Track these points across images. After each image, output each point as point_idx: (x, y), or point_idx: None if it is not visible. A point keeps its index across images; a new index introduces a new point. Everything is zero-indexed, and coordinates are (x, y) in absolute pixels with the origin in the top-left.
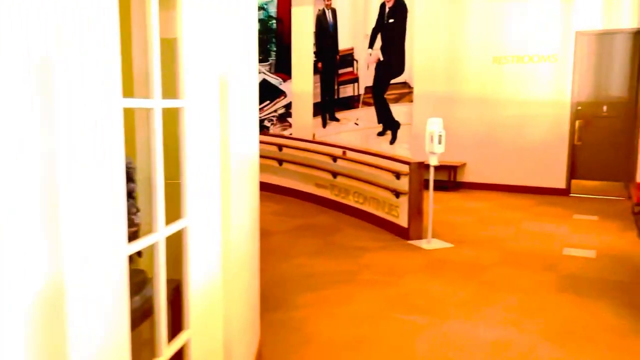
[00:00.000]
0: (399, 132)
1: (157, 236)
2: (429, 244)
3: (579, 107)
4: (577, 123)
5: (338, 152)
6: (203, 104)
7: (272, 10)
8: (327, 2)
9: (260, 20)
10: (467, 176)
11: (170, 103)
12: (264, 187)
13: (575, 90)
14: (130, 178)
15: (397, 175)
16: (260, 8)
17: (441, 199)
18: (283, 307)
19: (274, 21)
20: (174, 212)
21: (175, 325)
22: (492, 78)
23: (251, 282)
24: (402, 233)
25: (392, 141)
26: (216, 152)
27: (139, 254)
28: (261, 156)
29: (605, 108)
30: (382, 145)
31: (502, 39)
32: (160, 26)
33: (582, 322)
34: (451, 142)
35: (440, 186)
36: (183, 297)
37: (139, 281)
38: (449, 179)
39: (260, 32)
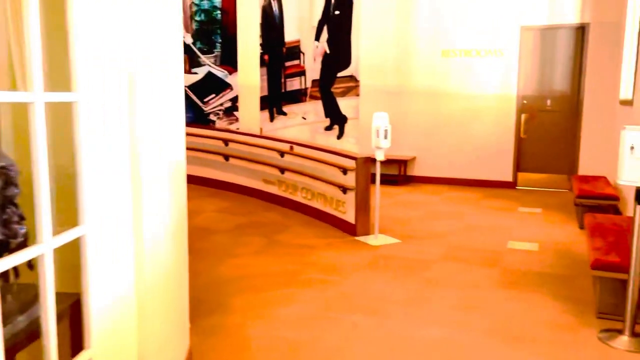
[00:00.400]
0: (346, 127)
1: (43, 248)
2: (376, 240)
3: (525, 101)
4: (522, 116)
5: (285, 147)
6: (104, 98)
7: (217, 0)
8: None
9: (204, 11)
10: (417, 170)
11: (57, 97)
12: (210, 183)
13: (520, 84)
14: (11, 182)
15: (344, 170)
16: None
17: (391, 194)
18: (218, 312)
19: (219, 12)
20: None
21: (77, 345)
22: (441, 72)
23: (177, 290)
24: (350, 229)
25: (340, 136)
26: (124, 152)
27: (29, 266)
28: (207, 151)
29: (549, 102)
30: (330, 139)
31: (451, 32)
32: (50, 9)
33: (523, 318)
34: (401, 136)
35: (390, 180)
36: (83, 314)
37: (28, 299)
38: (399, 173)
39: (205, 22)
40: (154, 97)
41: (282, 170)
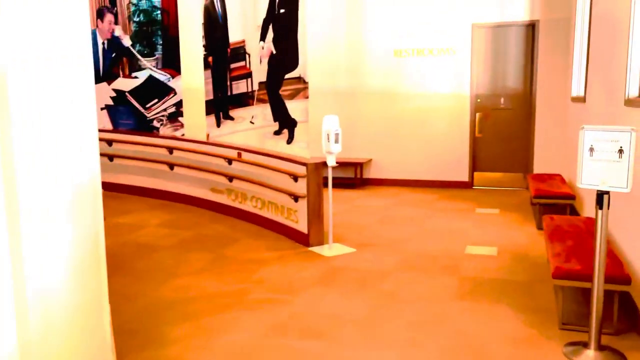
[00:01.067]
0: (296, 131)
1: None
2: (330, 250)
3: (479, 100)
4: (477, 115)
5: (233, 153)
6: None
7: (156, 0)
8: None
9: (143, 11)
10: (374, 172)
11: None
12: (155, 194)
13: (474, 83)
14: None
15: (295, 177)
16: None
17: (347, 198)
18: (154, 344)
19: (159, 12)
20: None
21: None
22: (394, 72)
23: (90, 332)
24: (303, 239)
25: (289, 140)
26: None
27: None
28: (150, 160)
29: (502, 100)
30: (279, 144)
31: (403, 31)
32: None
33: (483, 332)
34: (356, 139)
35: (346, 184)
36: None
37: None
38: (355, 177)
39: (144, 23)
40: (41, 101)
41: (231, 178)
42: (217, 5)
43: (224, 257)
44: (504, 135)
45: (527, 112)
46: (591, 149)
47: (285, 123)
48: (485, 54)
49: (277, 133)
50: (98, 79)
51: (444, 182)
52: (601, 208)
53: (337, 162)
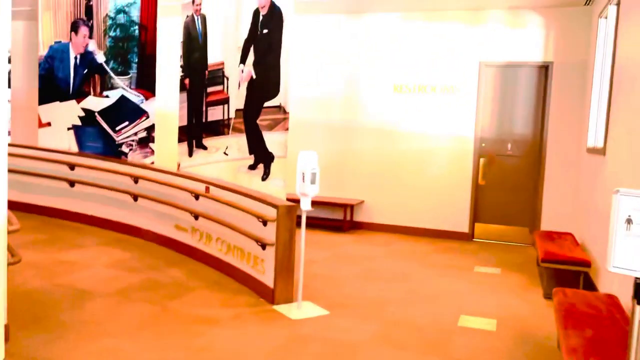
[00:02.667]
0: (273, 166)
1: None
2: (298, 310)
3: (483, 144)
4: (481, 161)
5: (201, 187)
6: None
7: (135, 14)
8: (196, 7)
9: (120, 26)
10: (365, 216)
11: None
12: (116, 227)
13: (479, 125)
14: None
15: (264, 221)
16: (121, 11)
17: (331, 243)
18: None
19: (137, 27)
20: None
21: None
22: (393, 108)
23: None
24: (267, 294)
25: (265, 177)
26: None
27: None
28: (114, 189)
29: (509, 146)
30: (254, 180)
31: (404, 66)
32: None
33: None
34: (347, 178)
35: (333, 227)
36: None
37: None
38: (344, 219)
39: (120, 39)
40: None
41: (196, 216)
42: (198, 23)
43: (169, 312)
44: (509, 184)
45: (535, 161)
46: (628, 221)
47: (262, 157)
48: (493, 95)
49: (252, 167)
50: (67, 97)
51: (442, 231)
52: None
53: (325, 202)
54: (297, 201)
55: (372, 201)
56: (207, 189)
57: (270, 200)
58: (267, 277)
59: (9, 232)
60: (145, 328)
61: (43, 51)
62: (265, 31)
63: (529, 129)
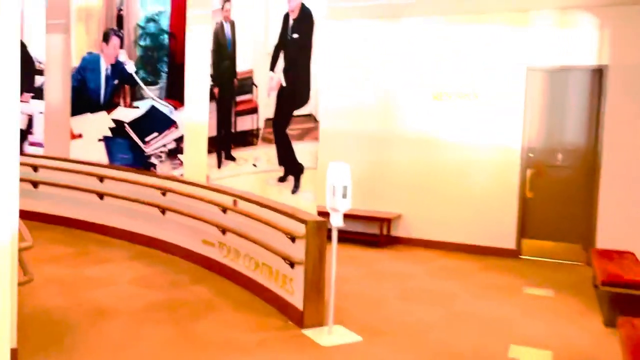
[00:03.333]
0: (303, 178)
1: None
2: (329, 336)
3: (531, 154)
4: (528, 172)
5: (228, 201)
6: None
7: (165, 22)
8: (225, 13)
9: (150, 35)
10: (402, 230)
11: None
12: (142, 240)
13: (526, 134)
14: None
15: (292, 238)
16: (151, 20)
17: (366, 260)
18: None
19: (166, 36)
20: None
21: None
22: (432, 116)
23: None
24: (296, 317)
25: (295, 189)
26: None
27: None
28: (142, 202)
29: (560, 156)
30: (283, 193)
31: (445, 72)
32: None
33: None
34: (384, 190)
35: (369, 241)
36: None
37: None
38: (381, 233)
39: (150, 48)
40: None
41: (224, 230)
42: (227, 30)
43: (190, 336)
44: (559, 197)
45: (589, 172)
46: None
47: (291, 168)
48: (541, 101)
49: (281, 180)
50: (98, 108)
51: (486, 248)
52: None
53: (360, 215)
54: (329, 215)
55: (411, 215)
56: (235, 202)
57: (299, 215)
58: (296, 299)
59: (20, 250)
60: (162, 355)
61: (76, 63)
62: (295, 36)
63: (581, 137)
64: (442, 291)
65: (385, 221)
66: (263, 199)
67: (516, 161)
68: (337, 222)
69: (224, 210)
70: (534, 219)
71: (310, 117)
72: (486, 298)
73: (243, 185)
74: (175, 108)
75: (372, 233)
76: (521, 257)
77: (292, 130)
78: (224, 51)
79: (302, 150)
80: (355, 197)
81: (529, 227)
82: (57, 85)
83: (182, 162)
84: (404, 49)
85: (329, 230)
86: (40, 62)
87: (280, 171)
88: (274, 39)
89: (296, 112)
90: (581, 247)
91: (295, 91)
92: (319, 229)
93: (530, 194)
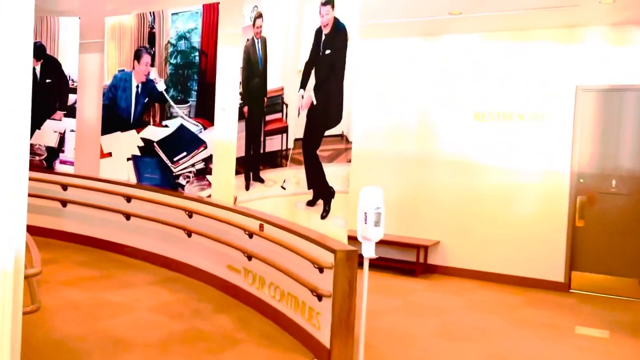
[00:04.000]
0: (334, 203)
1: None
2: None
3: (581, 180)
4: (578, 199)
5: (254, 225)
6: None
7: (196, 40)
8: (256, 30)
9: (181, 52)
10: (441, 259)
11: None
12: (169, 264)
13: (576, 158)
14: None
15: (320, 268)
16: (182, 37)
17: (402, 290)
18: None
19: (197, 54)
20: None
21: None
22: (473, 139)
23: None
24: (324, 355)
25: (324, 214)
26: None
27: None
28: (169, 224)
29: (614, 182)
30: (312, 218)
31: (487, 91)
32: None
33: None
34: (421, 215)
35: (405, 269)
36: None
37: None
38: (417, 261)
39: (181, 66)
40: None
41: (250, 256)
42: (258, 46)
43: None
44: (614, 227)
45: None
46: None
47: (321, 192)
48: (593, 123)
49: (310, 203)
50: (128, 126)
51: (531, 280)
52: None
53: (395, 242)
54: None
55: (450, 242)
56: (262, 226)
57: (328, 244)
58: (323, 334)
59: (27, 277)
60: None
61: (107, 81)
62: (327, 52)
63: (637, 163)
64: (483, 328)
65: (422, 248)
66: (290, 224)
67: (565, 187)
68: (369, 252)
69: (250, 235)
70: (585, 250)
71: (342, 138)
72: (533, 337)
73: (271, 209)
74: (205, 127)
75: (408, 260)
76: (571, 291)
77: (322, 151)
78: (254, 68)
79: (333, 173)
80: (390, 222)
81: (580, 259)
82: (89, 103)
83: (210, 183)
84: (442, 68)
85: (361, 256)
86: (73, 81)
87: (310, 194)
88: (306, 55)
89: (327, 132)
90: (637, 281)
91: (326, 110)
92: (349, 259)
93: (580, 223)
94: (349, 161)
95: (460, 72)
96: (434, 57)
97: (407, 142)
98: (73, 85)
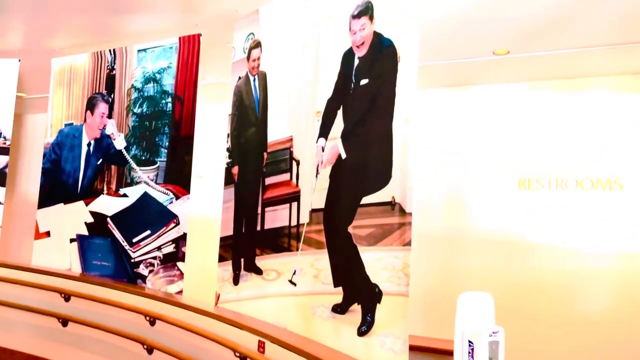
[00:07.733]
0: (381, 311)
1: None
2: None
3: None
4: None
5: (250, 342)
6: None
7: (169, 82)
8: (252, 64)
9: (148, 99)
10: None
11: None
12: None
13: None
14: None
15: None
16: (150, 79)
17: None
18: None
19: (169, 99)
20: None
21: None
22: (518, 211)
23: None
24: None
25: (364, 329)
26: None
27: None
28: (121, 335)
29: None
30: (343, 334)
31: (534, 153)
32: None
33: None
34: (453, 308)
35: None
36: None
37: None
38: None
39: (147, 116)
40: None
41: None
42: (254, 85)
43: None
44: None
45: None
46: None
47: (358, 291)
48: None
49: (339, 309)
50: (74, 197)
51: None
52: None
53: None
54: None
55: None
56: (261, 346)
57: None
58: None
59: None
60: None
61: (51, 137)
62: (364, 82)
63: None
64: None
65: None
66: (307, 344)
67: None
68: None
69: (243, 358)
70: None
71: (394, 207)
72: None
73: (274, 315)
74: (177, 196)
75: None
76: None
77: (358, 228)
78: (248, 114)
79: (378, 262)
80: (416, 319)
81: None
82: (25, 167)
83: (182, 273)
84: (475, 124)
85: None
86: (5, 139)
87: (338, 295)
88: (328, 90)
89: (366, 199)
90: None
91: (364, 166)
92: None
93: None
94: (408, 244)
95: (499, 129)
96: (463, 110)
97: (433, 214)
98: (4, 144)
